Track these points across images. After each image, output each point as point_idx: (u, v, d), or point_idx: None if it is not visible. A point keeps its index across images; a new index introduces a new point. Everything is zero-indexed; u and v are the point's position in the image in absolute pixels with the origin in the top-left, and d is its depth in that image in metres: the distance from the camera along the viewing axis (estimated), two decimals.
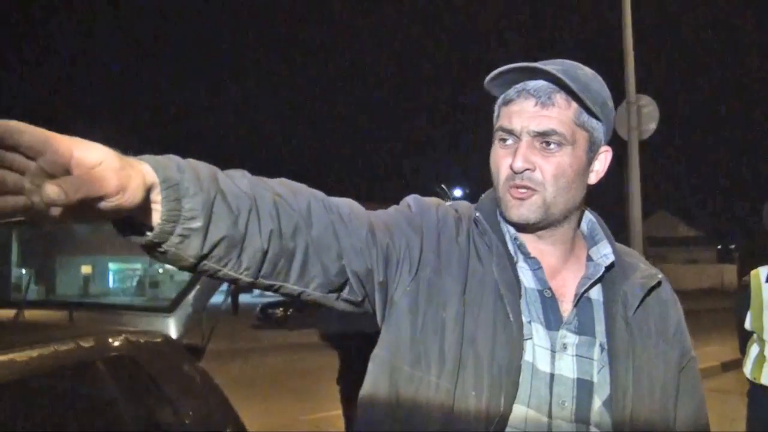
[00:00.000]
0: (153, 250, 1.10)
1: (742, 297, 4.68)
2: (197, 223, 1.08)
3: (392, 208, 1.47)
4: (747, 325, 4.61)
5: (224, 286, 3.37)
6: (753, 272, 4.62)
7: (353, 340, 5.00)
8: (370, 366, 1.41)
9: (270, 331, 20.91)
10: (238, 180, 1.19)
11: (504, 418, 1.29)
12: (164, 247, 1.09)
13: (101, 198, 0.93)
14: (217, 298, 3.44)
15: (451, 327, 1.32)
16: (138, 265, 41.98)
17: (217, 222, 1.11)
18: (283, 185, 1.28)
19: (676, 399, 1.43)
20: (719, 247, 65.12)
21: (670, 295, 1.52)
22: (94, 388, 2.40)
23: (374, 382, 1.39)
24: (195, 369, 2.98)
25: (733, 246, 64.79)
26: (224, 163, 1.31)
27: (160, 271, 38.84)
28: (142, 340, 2.77)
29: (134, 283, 41.15)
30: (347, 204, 1.37)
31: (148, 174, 1.03)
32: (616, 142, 10.03)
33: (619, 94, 10.01)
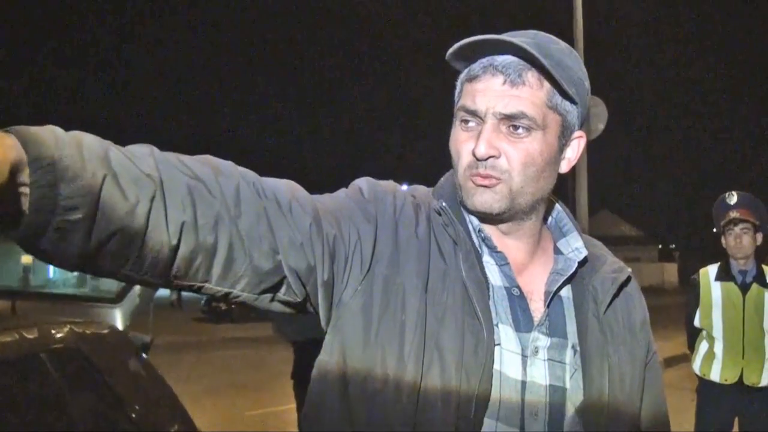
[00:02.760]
0: (31, 246, 0.91)
1: (691, 295, 4.77)
2: (77, 215, 0.89)
3: (341, 192, 1.29)
4: (696, 323, 4.70)
5: None
6: (702, 271, 4.72)
7: (309, 331, 4.95)
8: (315, 375, 1.23)
9: (215, 324, 20.75)
10: (140, 159, 0.99)
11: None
12: (42, 243, 0.90)
13: None
14: (165, 291, 3.35)
15: (411, 330, 1.16)
16: None
17: (107, 212, 0.92)
18: (205, 164, 1.09)
19: (641, 395, 1.35)
20: (660, 246, 66.51)
21: (636, 289, 1.42)
22: (38, 380, 2.31)
23: (320, 396, 1.21)
24: (141, 362, 2.90)
25: (673, 245, 66.29)
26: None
27: None
28: (88, 332, 2.67)
29: (75, 274, 40.30)
30: (288, 187, 1.19)
31: (11, 149, 0.84)
32: None
33: None
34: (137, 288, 3.06)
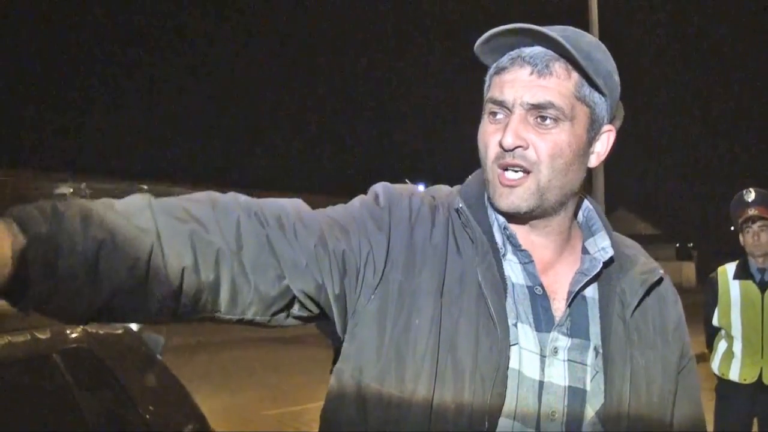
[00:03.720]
0: (40, 311, 0.96)
1: (709, 294, 4.72)
2: (77, 283, 0.94)
3: (357, 201, 1.28)
4: (714, 322, 4.66)
5: None
6: (720, 269, 4.67)
7: None
8: (333, 382, 1.23)
9: (232, 324, 20.75)
10: (136, 215, 1.03)
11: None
12: (48, 307, 0.95)
13: None
14: None
15: (425, 334, 1.15)
16: None
17: (106, 275, 0.96)
18: (204, 204, 1.11)
19: (674, 402, 1.30)
20: (677, 244, 66.08)
21: (671, 291, 1.37)
22: (50, 381, 2.31)
23: (337, 401, 1.21)
24: (155, 362, 2.89)
25: (691, 244, 65.84)
26: None
27: None
28: (101, 332, 2.67)
29: None
30: (294, 209, 1.19)
31: (6, 239, 0.89)
32: None
33: None
34: None
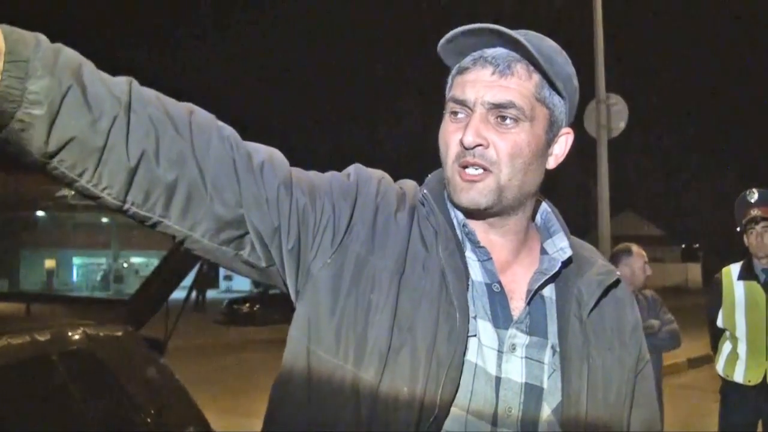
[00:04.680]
0: None
1: (713, 295, 4.69)
2: (38, 111, 0.96)
3: (329, 173, 1.30)
4: (719, 323, 4.63)
5: (188, 281, 3.26)
6: (724, 270, 4.65)
7: None
8: (285, 349, 1.24)
9: (236, 327, 20.75)
10: (113, 83, 1.04)
11: (438, 420, 1.13)
12: (5, 133, 0.97)
13: None
14: (181, 293, 3.34)
15: (378, 310, 1.16)
16: (102, 260, 41.78)
17: (67, 117, 0.98)
18: (183, 108, 1.13)
19: (630, 405, 1.32)
20: (683, 246, 65.95)
21: (627, 294, 1.40)
22: (49, 383, 2.30)
23: (287, 369, 1.21)
24: (156, 364, 2.88)
25: (697, 245, 65.68)
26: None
27: (125, 265, 38.64)
28: (101, 333, 2.66)
29: (98, 278, 40.82)
30: (267, 152, 1.21)
31: None
32: (585, 141, 10.08)
33: (588, 92, 10.06)
34: (152, 290, 3.05)
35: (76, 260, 42.60)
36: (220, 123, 1.18)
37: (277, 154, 1.23)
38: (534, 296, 1.27)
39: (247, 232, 1.16)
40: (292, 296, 1.23)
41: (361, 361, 1.15)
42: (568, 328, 1.25)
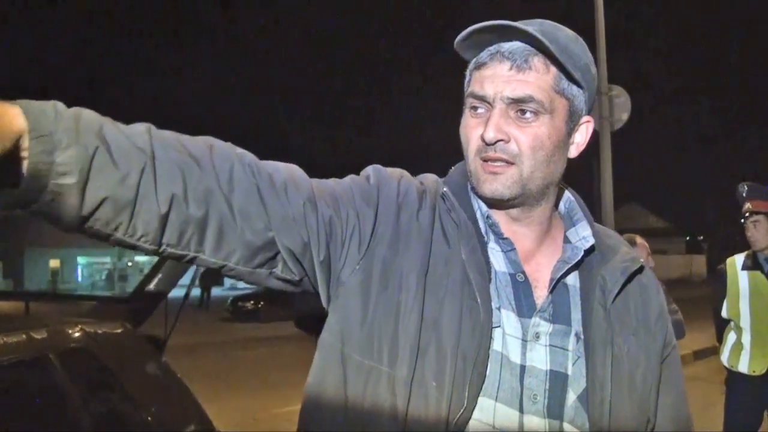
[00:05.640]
0: (28, 208, 1.00)
1: (717, 285, 4.68)
2: (69, 180, 0.98)
3: (348, 178, 1.33)
4: (723, 313, 4.63)
5: (187, 279, 3.24)
6: (729, 260, 4.66)
7: None
8: (317, 354, 1.28)
9: (241, 324, 20.80)
10: (135, 135, 1.07)
11: (468, 412, 1.16)
12: (38, 207, 0.99)
13: None
14: (181, 290, 3.32)
15: (407, 311, 1.19)
16: (107, 259, 41.86)
17: (97, 179, 1.01)
18: (202, 144, 1.15)
19: (657, 391, 1.32)
20: (688, 238, 65.88)
21: (652, 280, 1.41)
22: (47, 381, 2.28)
23: (321, 373, 1.25)
24: (156, 362, 2.86)
25: (701, 237, 65.62)
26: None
27: (129, 264, 38.73)
28: (99, 331, 2.64)
29: (103, 277, 40.92)
30: (287, 170, 1.24)
31: (17, 118, 0.94)
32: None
33: None
34: (151, 287, 3.03)
35: (81, 260, 42.69)
36: (239, 150, 1.20)
37: (297, 171, 1.26)
38: (557, 285, 1.28)
39: (279, 252, 1.19)
40: (324, 303, 1.27)
41: (395, 360, 1.18)
42: (592, 315, 1.26)
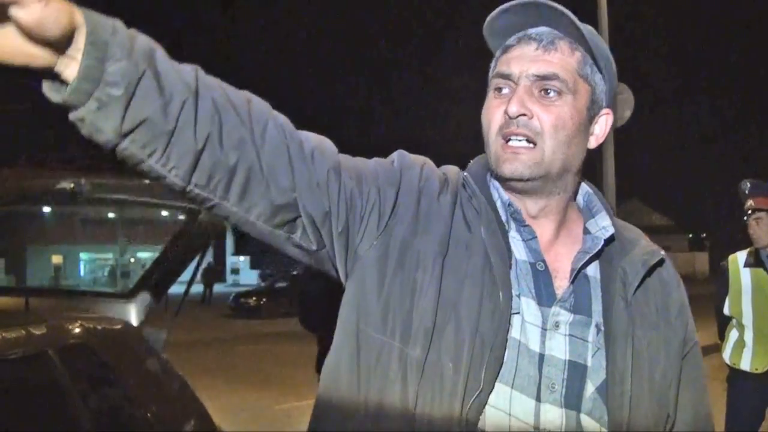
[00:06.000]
0: (71, 111, 1.01)
1: (719, 282, 4.67)
2: (117, 91, 0.99)
3: (373, 160, 1.34)
4: (725, 311, 4.62)
5: (187, 275, 3.24)
6: (731, 257, 4.64)
7: (333, 324, 4.88)
8: (336, 330, 1.28)
9: (243, 320, 20.81)
10: (182, 70, 1.09)
11: (483, 396, 1.15)
12: (81, 112, 0.99)
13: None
14: (181, 287, 3.32)
15: (424, 290, 1.19)
16: (109, 255, 41.88)
17: (142, 99, 1.02)
18: (242, 96, 1.17)
19: (677, 388, 1.30)
20: (690, 235, 65.84)
21: (673, 274, 1.39)
22: (45, 377, 2.27)
23: (338, 347, 1.26)
24: (156, 358, 2.86)
25: (704, 234, 65.56)
26: None
27: (131, 260, 38.75)
28: (99, 327, 2.64)
29: (105, 273, 40.96)
30: (316, 138, 1.25)
31: (78, 15, 0.95)
32: None
33: None
34: (152, 282, 3.03)
35: (83, 256, 42.74)
36: (275, 112, 1.21)
37: (327, 142, 1.27)
38: (578, 275, 1.28)
39: (299, 216, 1.20)
40: (342, 278, 1.28)
41: (408, 338, 1.18)
42: (612, 307, 1.25)
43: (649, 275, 1.31)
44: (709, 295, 5.10)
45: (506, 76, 1.26)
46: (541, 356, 1.21)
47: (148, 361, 2.83)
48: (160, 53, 1.07)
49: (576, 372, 1.21)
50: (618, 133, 10.22)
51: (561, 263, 1.29)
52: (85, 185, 2.62)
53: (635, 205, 59.83)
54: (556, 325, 1.23)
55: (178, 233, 3.00)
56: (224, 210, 1.16)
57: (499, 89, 1.27)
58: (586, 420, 1.20)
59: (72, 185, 2.62)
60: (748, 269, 4.49)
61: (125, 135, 1.03)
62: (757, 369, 4.39)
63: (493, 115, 1.27)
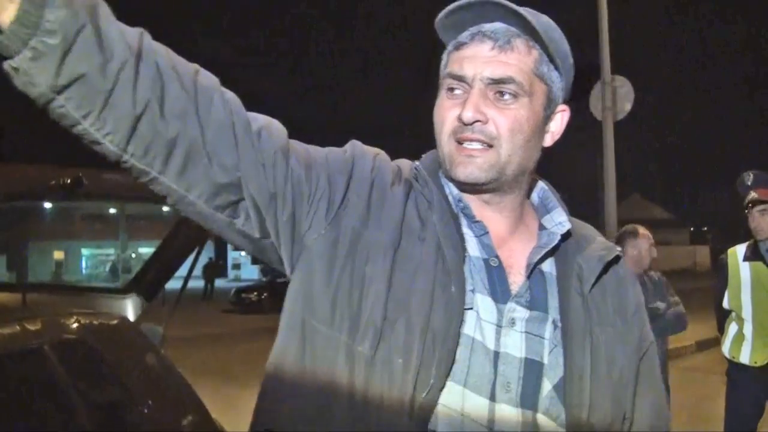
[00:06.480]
0: (6, 62, 0.97)
1: (719, 276, 4.66)
2: (53, 40, 0.95)
3: (326, 148, 1.29)
4: (725, 304, 4.60)
5: (184, 270, 3.23)
6: (730, 251, 4.63)
7: None
8: (281, 323, 1.23)
9: (244, 315, 20.78)
10: (126, 30, 1.04)
11: (434, 393, 1.11)
12: (16, 60, 0.96)
13: None
14: (178, 282, 3.31)
15: (375, 284, 1.14)
16: (111, 251, 41.91)
17: (79, 53, 0.97)
18: (190, 67, 1.13)
19: (634, 387, 1.28)
20: (692, 229, 65.86)
21: (629, 273, 1.38)
22: (42, 374, 2.26)
23: (283, 341, 1.21)
24: (154, 353, 2.85)
25: (705, 228, 65.56)
26: None
27: (133, 256, 38.77)
28: (95, 323, 2.63)
29: (107, 269, 41.02)
30: (265, 119, 1.20)
31: None
32: (591, 123, 10.01)
33: (594, 74, 9.99)
34: (149, 277, 3.02)
35: (85, 251, 42.78)
36: (224, 88, 1.17)
37: (276, 123, 1.22)
38: (533, 271, 1.25)
39: (243, 199, 1.15)
40: (287, 269, 1.22)
41: (356, 333, 1.13)
42: (569, 303, 1.23)
43: (606, 272, 1.29)
44: (709, 288, 5.09)
45: (459, 78, 1.21)
46: (496, 354, 1.17)
47: (145, 356, 2.82)
48: (105, 10, 1.02)
49: (532, 370, 1.18)
50: (617, 126, 10.18)
51: (516, 259, 1.26)
52: (86, 180, 2.61)
53: (636, 200, 59.83)
54: (512, 322, 1.19)
55: (175, 228, 2.99)
56: (163, 186, 1.11)
57: (452, 89, 1.23)
58: (542, 419, 1.17)
59: (69, 180, 2.61)
60: (747, 263, 4.47)
61: (60, 91, 0.99)
62: (756, 362, 4.38)
63: (446, 116, 1.23)
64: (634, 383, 1.28)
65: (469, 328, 1.16)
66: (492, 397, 1.15)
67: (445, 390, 1.13)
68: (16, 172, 3.01)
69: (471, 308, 1.17)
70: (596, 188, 10.56)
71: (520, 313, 1.20)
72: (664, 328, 4.56)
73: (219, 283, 31.24)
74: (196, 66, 1.14)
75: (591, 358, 1.20)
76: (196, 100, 1.09)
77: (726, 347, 4.58)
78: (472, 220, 1.24)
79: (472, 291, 1.18)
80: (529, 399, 1.17)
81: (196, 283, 26.61)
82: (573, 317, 1.21)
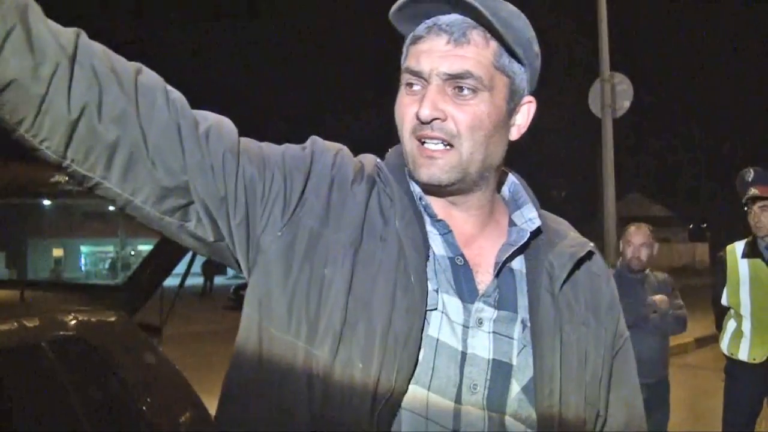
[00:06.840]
0: None
1: (718, 273, 4.66)
2: None
3: (283, 145, 1.25)
4: (723, 301, 4.61)
5: (182, 267, 3.23)
6: (729, 248, 4.63)
7: None
8: (240, 327, 1.20)
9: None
10: (60, 32, 1.00)
11: (396, 397, 1.08)
12: None
13: None
14: (177, 279, 3.31)
15: (334, 287, 1.11)
16: (110, 248, 41.92)
17: (9, 57, 0.94)
18: (129, 66, 1.08)
19: (608, 384, 1.26)
20: (691, 226, 65.85)
21: (603, 269, 1.34)
22: (39, 371, 2.26)
23: (240, 347, 1.18)
24: (152, 350, 2.85)
25: (704, 225, 65.56)
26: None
27: (132, 253, 38.77)
28: (93, 319, 2.62)
29: (106, 266, 41.03)
30: (214, 118, 1.16)
31: None
32: (590, 121, 10.01)
33: (593, 71, 9.99)
34: (146, 273, 3.02)
35: (84, 249, 42.79)
36: (169, 87, 1.13)
37: (226, 122, 1.18)
38: (502, 269, 1.22)
39: (192, 202, 1.12)
40: (245, 272, 1.19)
41: (314, 338, 1.10)
42: (539, 302, 1.19)
43: (578, 268, 1.26)
44: (709, 285, 5.09)
45: (416, 74, 1.17)
46: (463, 355, 1.14)
47: (142, 353, 2.81)
48: (36, 10, 0.99)
49: (500, 371, 1.16)
50: (616, 123, 10.18)
51: (485, 257, 1.23)
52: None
53: (635, 197, 59.84)
54: (480, 322, 1.17)
55: None
56: (108, 191, 1.08)
57: (411, 84, 1.19)
58: (510, 422, 1.14)
59: (66, 178, 2.60)
60: (746, 260, 4.47)
61: None
62: (755, 359, 4.38)
63: (405, 113, 1.19)
64: (608, 380, 1.26)
65: (433, 329, 1.14)
66: (458, 400, 1.12)
67: (408, 393, 1.10)
68: (16, 169, 3.00)
69: (436, 309, 1.15)
70: (595, 185, 10.53)
71: (488, 312, 1.17)
72: (664, 328, 4.54)
73: (218, 280, 31.22)
74: (137, 65, 1.10)
75: (561, 357, 1.17)
76: (137, 102, 1.05)
77: (724, 344, 4.59)
78: (434, 218, 1.22)
79: (437, 291, 1.16)
80: (496, 401, 1.14)
81: (196, 281, 26.63)
82: (542, 316, 1.19)
